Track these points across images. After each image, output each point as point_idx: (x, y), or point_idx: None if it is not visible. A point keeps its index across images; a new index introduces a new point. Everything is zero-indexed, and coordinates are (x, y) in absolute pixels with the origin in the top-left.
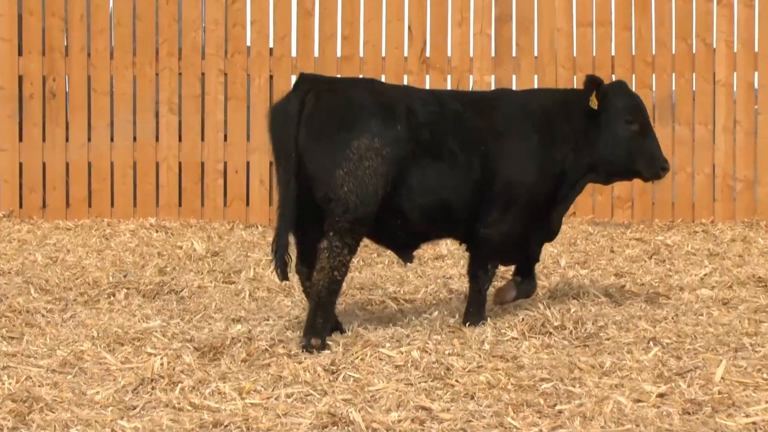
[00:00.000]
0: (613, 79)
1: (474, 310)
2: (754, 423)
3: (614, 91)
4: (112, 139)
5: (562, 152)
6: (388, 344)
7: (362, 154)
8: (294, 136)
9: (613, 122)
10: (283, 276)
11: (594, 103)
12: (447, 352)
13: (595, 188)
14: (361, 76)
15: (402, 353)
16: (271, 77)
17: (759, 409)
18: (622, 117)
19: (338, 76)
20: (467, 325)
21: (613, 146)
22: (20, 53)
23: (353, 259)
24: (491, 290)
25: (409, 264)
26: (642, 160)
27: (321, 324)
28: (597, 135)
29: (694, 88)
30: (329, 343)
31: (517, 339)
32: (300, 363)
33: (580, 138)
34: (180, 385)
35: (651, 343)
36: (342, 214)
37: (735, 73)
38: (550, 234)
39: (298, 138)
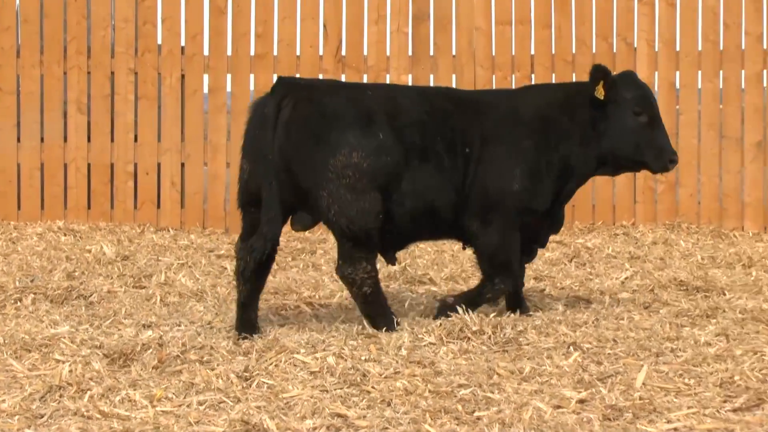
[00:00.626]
0: (532, 80)
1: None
2: (675, 429)
3: (622, 82)
4: (18, 140)
5: (563, 151)
6: (302, 350)
7: (339, 172)
8: (271, 140)
9: (620, 113)
10: None
11: (600, 93)
12: (363, 358)
13: None
14: (321, 76)
15: (317, 359)
16: (182, 76)
17: (680, 415)
18: (630, 108)
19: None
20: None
21: (620, 138)
22: None
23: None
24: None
25: (391, 265)
26: (650, 152)
27: (381, 321)
28: (605, 126)
29: None
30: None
31: (434, 344)
32: (212, 370)
33: (587, 131)
34: (89, 392)
35: (571, 347)
36: (339, 237)
37: (656, 73)
38: (556, 226)
39: (277, 143)
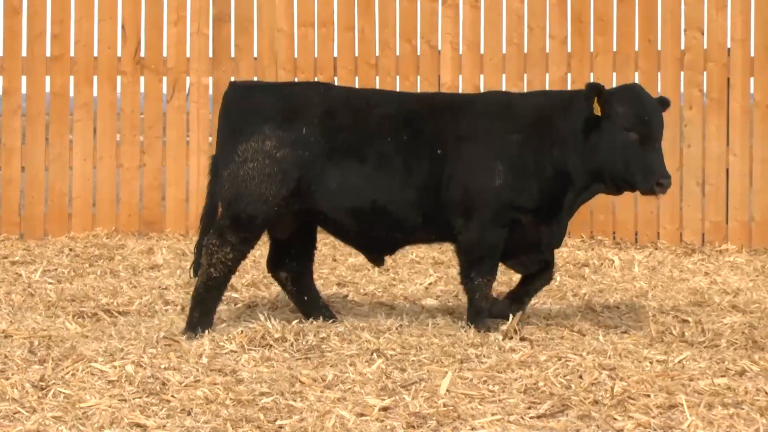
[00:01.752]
0: (335, 83)
1: (472, 319)
2: None
3: (618, 97)
4: None
5: (550, 157)
6: (100, 359)
7: (248, 156)
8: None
9: (611, 128)
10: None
11: (597, 110)
12: (163, 366)
13: None
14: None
15: (115, 368)
16: None
17: (485, 422)
18: (621, 124)
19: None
20: (472, 326)
21: (609, 153)
22: None
23: (235, 260)
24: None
25: (377, 267)
26: (637, 171)
27: (197, 318)
28: (596, 140)
29: (418, 91)
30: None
31: (236, 352)
32: (7, 379)
33: (578, 142)
34: None
35: (375, 354)
36: (223, 212)
37: (460, 76)
38: (556, 237)
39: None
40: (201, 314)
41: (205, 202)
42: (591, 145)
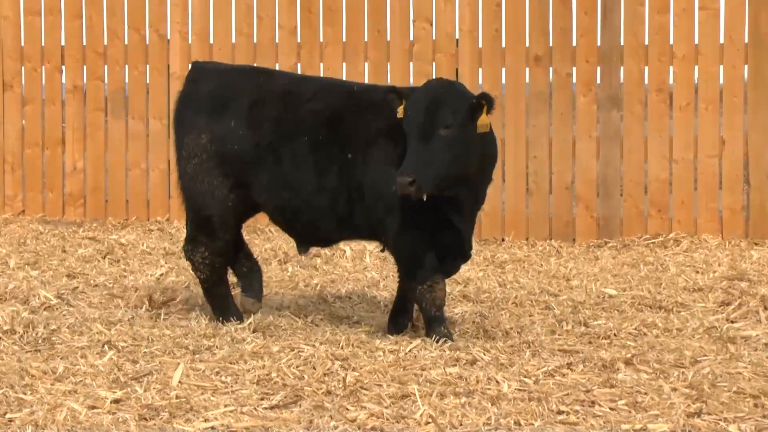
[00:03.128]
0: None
1: (427, 330)
2: (213, 428)
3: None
4: None
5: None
6: None
7: (190, 151)
8: None
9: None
10: None
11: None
12: None
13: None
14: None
15: None
16: None
17: (218, 413)
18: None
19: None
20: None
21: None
22: None
23: (216, 255)
24: None
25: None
26: None
27: (218, 314)
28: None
29: (148, 81)
30: None
31: None
32: None
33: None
34: None
35: (106, 346)
36: (187, 214)
37: (189, 65)
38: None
39: None
40: (218, 309)
41: None
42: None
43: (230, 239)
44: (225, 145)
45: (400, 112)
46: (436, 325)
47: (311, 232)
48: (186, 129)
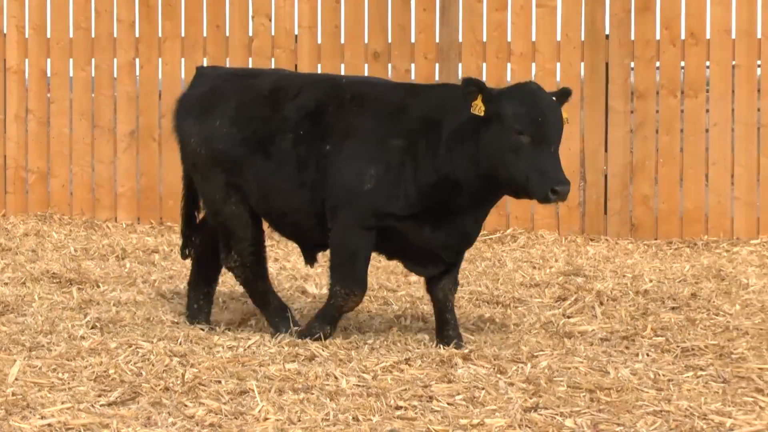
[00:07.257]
0: None
1: (314, 319)
2: (49, 425)
3: (507, 96)
4: None
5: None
6: None
7: (188, 153)
8: None
9: (500, 131)
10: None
11: (479, 109)
12: None
13: None
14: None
15: None
16: None
17: (54, 410)
18: (511, 126)
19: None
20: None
21: (498, 157)
22: None
23: (248, 255)
24: None
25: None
26: (531, 175)
27: (272, 318)
28: (486, 143)
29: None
30: None
31: None
32: None
33: (467, 144)
34: None
35: None
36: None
37: (27, 60)
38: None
39: None
40: (270, 313)
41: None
42: (479, 147)
43: (255, 236)
44: (210, 146)
45: (475, 107)
46: (319, 321)
47: (299, 234)
48: (183, 131)
